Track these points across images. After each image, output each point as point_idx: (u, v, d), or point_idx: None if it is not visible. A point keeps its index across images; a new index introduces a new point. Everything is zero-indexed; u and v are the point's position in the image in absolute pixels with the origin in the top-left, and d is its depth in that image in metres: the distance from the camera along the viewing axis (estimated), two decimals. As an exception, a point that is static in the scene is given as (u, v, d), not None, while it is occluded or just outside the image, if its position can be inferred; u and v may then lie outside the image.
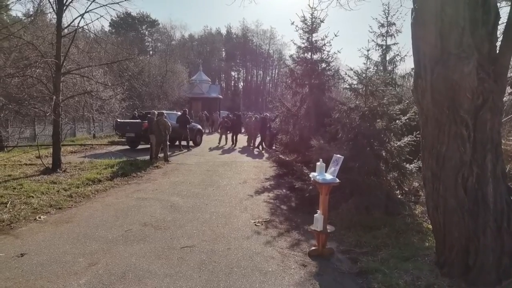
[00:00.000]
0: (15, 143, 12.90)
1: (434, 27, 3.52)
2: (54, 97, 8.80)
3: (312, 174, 4.50)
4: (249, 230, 5.24)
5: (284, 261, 4.17)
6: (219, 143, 17.72)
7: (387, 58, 14.43)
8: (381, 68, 14.21)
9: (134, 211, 6.07)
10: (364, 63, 6.66)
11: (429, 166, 3.77)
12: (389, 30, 14.21)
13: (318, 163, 4.41)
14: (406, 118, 6.52)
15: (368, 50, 6.74)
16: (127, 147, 15.90)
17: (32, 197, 6.53)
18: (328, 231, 4.33)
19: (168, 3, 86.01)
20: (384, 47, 14.48)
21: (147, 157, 11.98)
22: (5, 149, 13.23)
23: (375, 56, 18.19)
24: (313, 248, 4.42)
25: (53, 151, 9.55)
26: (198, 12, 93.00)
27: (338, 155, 4.35)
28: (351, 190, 6.09)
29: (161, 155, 12.05)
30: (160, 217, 5.76)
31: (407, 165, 6.53)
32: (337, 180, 4.21)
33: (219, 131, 19.07)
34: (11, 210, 5.74)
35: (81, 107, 12.85)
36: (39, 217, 5.59)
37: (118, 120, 16.61)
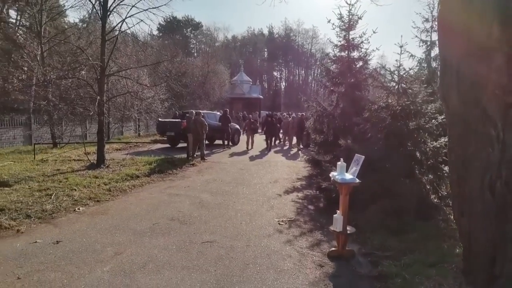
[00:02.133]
0: (67, 140, 13.96)
1: (461, 20, 3.31)
2: (98, 97, 9.42)
3: (332, 174, 4.42)
4: (271, 229, 5.25)
5: (301, 260, 4.14)
6: (252, 147, 16.50)
7: (432, 54, 13.69)
8: (425, 65, 13.52)
9: (164, 206, 6.34)
10: (397, 60, 6.33)
11: (455, 168, 3.56)
12: (434, 25, 13.44)
13: (338, 163, 4.32)
14: (442, 117, 6.16)
15: (401, 46, 6.39)
16: (167, 145, 16.59)
17: (75, 189, 7.05)
18: (348, 232, 4.23)
19: (212, 7, 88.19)
20: (428, 43, 13.75)
21: (185, 155, 12.40)
22: (58, 146, 14.39)
23: (419, 52, 17.32)
24: (333, 249, 4.34)
25: (98, 148, 10.23)
26: (241, 14, 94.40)
27: (359, 155, 4.23)
28: (381, 192, 5.87)
29: (198, 153, 12.43)
30: (188, 213, 5.96)
31: (444, 167, 6.17)
32: (357, 180, 4.10)
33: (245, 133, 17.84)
34: (54, 201, 6.25)
35: (126, 108, 13.62)
36: (78, 209, 6.04)
37: (160, 119, 17.37)
